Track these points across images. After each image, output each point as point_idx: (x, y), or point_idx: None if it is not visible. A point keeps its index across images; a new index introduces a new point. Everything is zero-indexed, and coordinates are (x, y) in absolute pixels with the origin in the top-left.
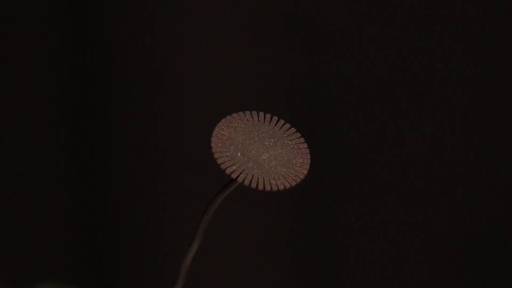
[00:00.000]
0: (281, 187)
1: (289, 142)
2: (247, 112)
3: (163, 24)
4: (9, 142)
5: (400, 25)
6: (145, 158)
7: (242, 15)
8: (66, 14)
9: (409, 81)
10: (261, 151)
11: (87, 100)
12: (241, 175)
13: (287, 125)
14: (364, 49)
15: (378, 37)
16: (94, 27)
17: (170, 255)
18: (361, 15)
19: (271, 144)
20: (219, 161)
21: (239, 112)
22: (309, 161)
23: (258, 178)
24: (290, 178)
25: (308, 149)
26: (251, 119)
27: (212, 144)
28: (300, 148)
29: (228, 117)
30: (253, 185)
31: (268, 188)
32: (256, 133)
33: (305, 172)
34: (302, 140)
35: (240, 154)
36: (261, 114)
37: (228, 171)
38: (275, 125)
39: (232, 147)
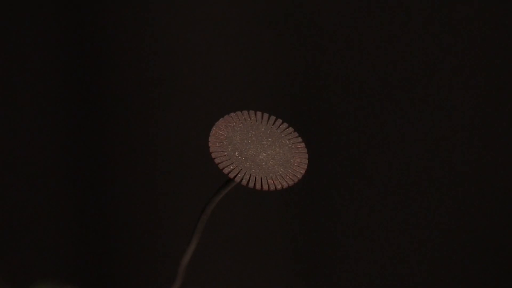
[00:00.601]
0: (279, 187)
1: (287, 141)
2: (245, 112)
3: (163, 23)
4: (9, 142)
5: (400, 25)
6: (143, 157)
7: (242, 14)
8: (66, 14)
9: (409, 81)
10: (259, 151)
11: (87, 100)
12: (239, 175)
13: (285, 125)
14: (364, 49)
15: (378, 37)
16: (94, 27)
17: (168, 255)
18: (361, 15)
19: (268, 143)
20: (216, 161)
21: (237, 112)
22: (307, 161)
23: (255, 178)
24: (287, 177)
25: (305, 149)
26: (249, 119)
27: (210, 144)
28: (297, 147)
29: (226, 116)
30: (251, 185)
31: (265, 187)
32: (253, 132)
33: (303, 171)
34: (300, 139)
35: (238, 154)
36: (259, 113)
37: (225, 171)
38: (273, 125)
39: (230, 146)
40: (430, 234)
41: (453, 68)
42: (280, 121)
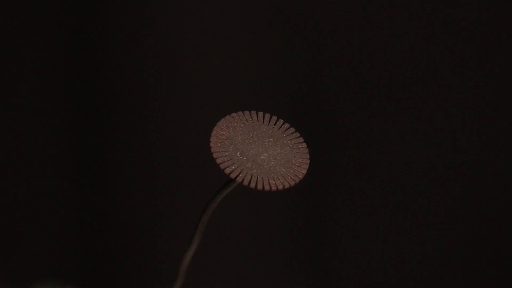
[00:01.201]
0: (280, 187)
1: (288, 141)
2: (246, 112)
3: (163, 23)
4: (9, 142)
5: (400, 25)
6: (144, 158)
7: (242, 14)
8: (66, 14)
9: (410, 81)
10: (260, 151)
11: (87, 100)
12: (240, 175)
13: (286, 125)
14: (364, 49)
15: (378, 37)
16: (94, 26)
17: (169, 255)
18: (361, 15)
19: (270, 143)
20: (218, 161)
21: (238, 112)
22: (308, 161)
23: (257, 178)
24: (289, 177)
25: (307, 149)
26: (250, 119)
27: (211, 144)
28: (299, 147)
29: (227, 116)
30: (252, 185)
31: (267, 187)
32: (255, 132)
33: (304, 171)
34: (301, 139)
35: (239, 154)
36: (260, 113)
37: (227, 171)
38: (274, 125)
39: (231, 147)
40: (430, 234)
41: (453, 68)
42: (281, 121)
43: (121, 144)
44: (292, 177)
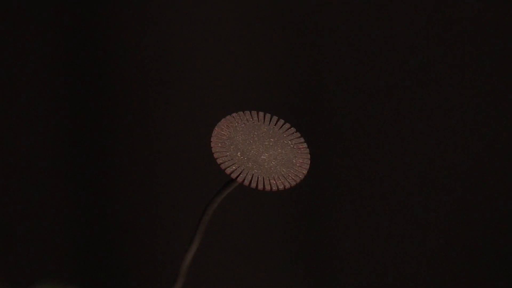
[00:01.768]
0: (281, 187)
1: (289, 142)
2: (247, 112)
3: (163, 23)
4: (9, 142)
5: (401, 25)
6: (144, 157)
7: (242, 14)
8: (66, 14)
9: (410, 81)
10: (261, 151)
11: (88, 100)
12: (241, 175)
13: (287, 125)
14: (365, 49)
15: (378, 37)
16: (94, 26)
17: (169, 255)
18: (361, 15)
19: (271, 144)
20: (218, 161)
21: (239, 112)
22: (309, 161)
23: (258, 178)
24: (290, 177)
25: (308, 149)
26: (251, 119)
27: (212, 144)
28: (300, 147)
29: (228, 116)
30: (253, 185)
31: (268, 188)
32: (256, 133)
33: (305, 172)
34: (302, 139)
35: (240, 154)
36: (261, 114)
37: (227, 171)
38: (275, 125)
39: (232, 147)
40: (430, 234)
41: (453, 68)
42: (282, 121)
43: (121, 144)
44: (293, 177)
